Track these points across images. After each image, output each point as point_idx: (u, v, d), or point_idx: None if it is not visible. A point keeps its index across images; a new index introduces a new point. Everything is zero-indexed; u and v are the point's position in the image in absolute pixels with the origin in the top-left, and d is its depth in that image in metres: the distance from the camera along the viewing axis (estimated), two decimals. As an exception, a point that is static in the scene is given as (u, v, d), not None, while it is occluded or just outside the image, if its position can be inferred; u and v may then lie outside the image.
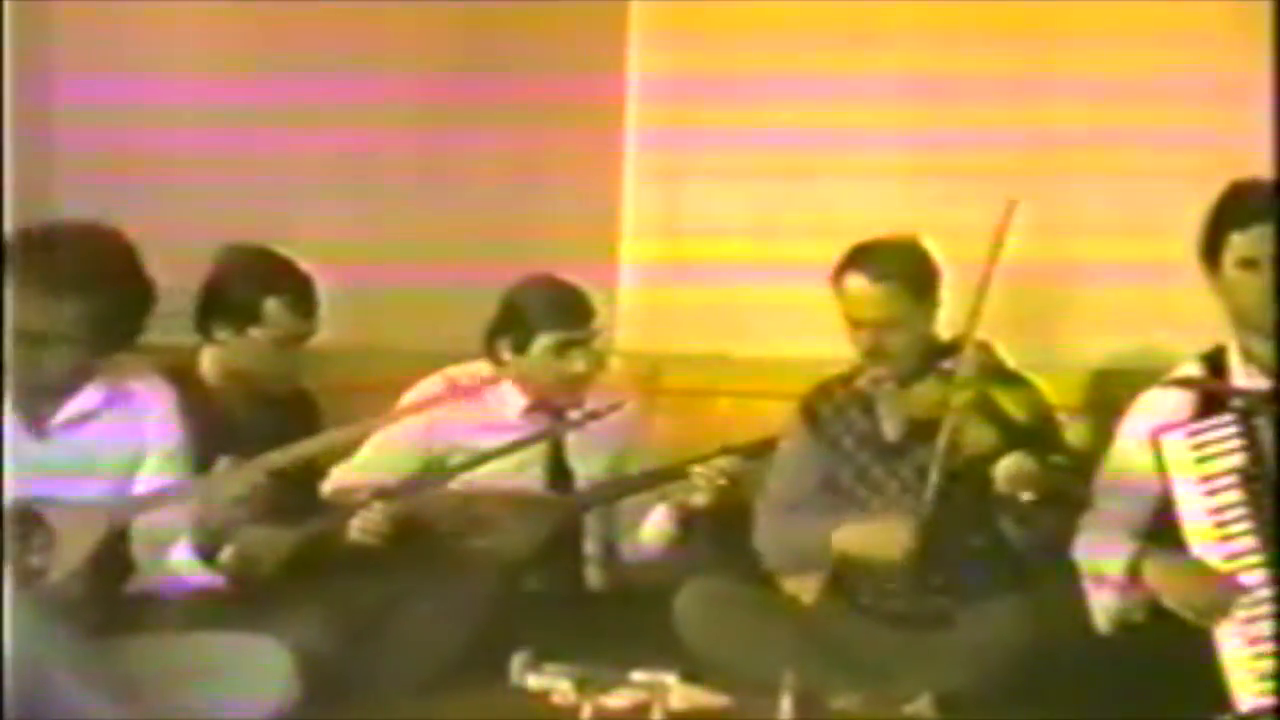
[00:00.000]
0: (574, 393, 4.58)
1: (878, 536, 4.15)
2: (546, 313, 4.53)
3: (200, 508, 3.82)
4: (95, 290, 3.66)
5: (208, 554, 3.87)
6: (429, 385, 4.46)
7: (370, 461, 4.51)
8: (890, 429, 4.30)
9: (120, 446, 3.85)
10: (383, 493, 4.38)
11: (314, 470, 4.38)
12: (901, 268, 4.23)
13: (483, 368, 4.55)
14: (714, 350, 5.31)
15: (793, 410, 4.42)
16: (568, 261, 4.75)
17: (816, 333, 4.49)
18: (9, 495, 3.65)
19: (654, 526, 4.57)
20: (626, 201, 5.57)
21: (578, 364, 4.54)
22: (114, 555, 3.80)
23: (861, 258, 4.25)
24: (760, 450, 4.45)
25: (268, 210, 4.65)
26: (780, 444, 4.43)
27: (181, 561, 3.84)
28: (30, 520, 3.67)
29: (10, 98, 4.22)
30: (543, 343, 4.53)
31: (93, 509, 3.74)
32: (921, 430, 4.14)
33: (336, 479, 4.50)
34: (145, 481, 3.86)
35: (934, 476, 4.02)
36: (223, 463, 3.82)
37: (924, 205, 4.95)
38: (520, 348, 4.55)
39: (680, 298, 5.41)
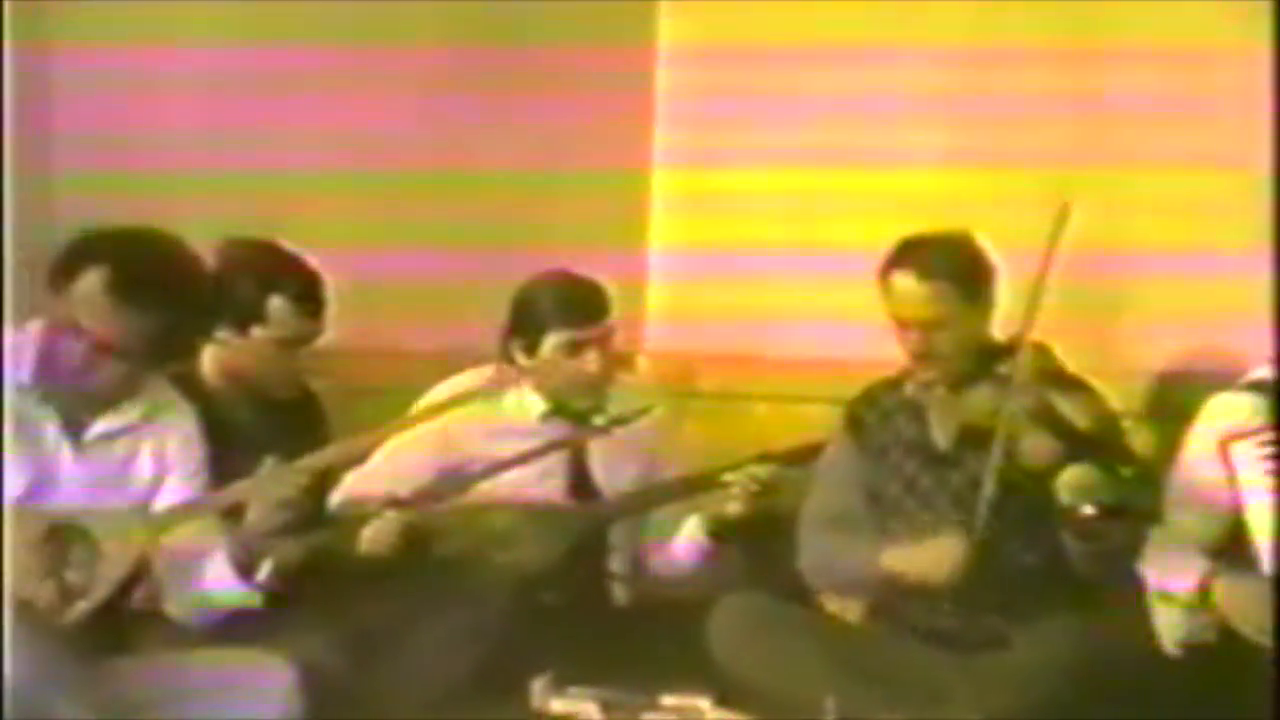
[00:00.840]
0: (593, 395, 4.48)
1: (926, 557, 4.08)
2: (554, 310, 4.43)
3: (247, 513, 3.78)
4: (164, 302, 3.66)
5: (247, 569, 3.79)
6: (450, 385, 4.37)
7: (382, 470, 4.40)
8: (941, 437, 4.20)
9: (145, 464, 3.84)
10: (395, 502, 4.28)
11: (324, 477, 4.25)
12: (951, 265, 4.14)
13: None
14: (750, 350, 5.22)
15: (836, 417, 4.34)
16: (592, 255, 4.67)
17: (860, 332, 4.43)
18: (41, 508, 3.64)
19: (685, 538, 4.47)
20: (655, 190, 5.50)
21: (591, 364, 4.43)
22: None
23: (909, 253, 4.16)
24: (800, 457, 4.36)
25: (272, 203, 4.60)
26: (823, 453, 4.35)
27: (218, 583, 3.79)
28: (69, 534, 3.64)
29: (10, 95, 4.20)
30: (552, 342, 4.43)
31: (132, 520, 3.72)
32: (975, 438, 4.06)
33: (348, 487, 4.40)
34: (165, 501, 3.83)
35: (987, 490, 3.95)
36: (268, 464, 3.77)
37: (972, 186, 4.87)
38: (531, 348, 4.46)
39: (714, 294, 5.34)
